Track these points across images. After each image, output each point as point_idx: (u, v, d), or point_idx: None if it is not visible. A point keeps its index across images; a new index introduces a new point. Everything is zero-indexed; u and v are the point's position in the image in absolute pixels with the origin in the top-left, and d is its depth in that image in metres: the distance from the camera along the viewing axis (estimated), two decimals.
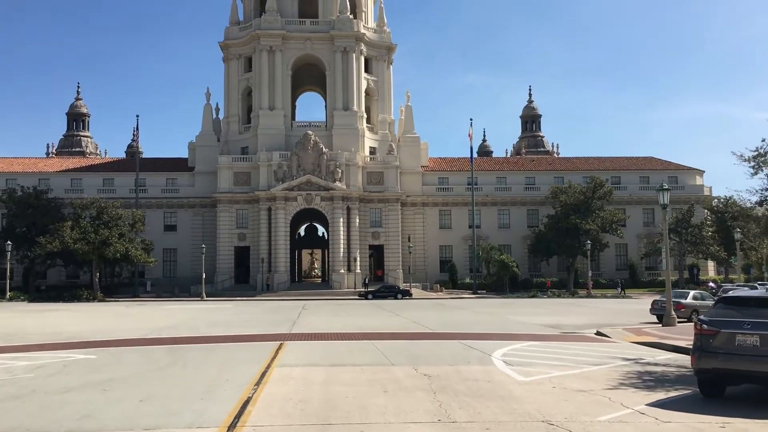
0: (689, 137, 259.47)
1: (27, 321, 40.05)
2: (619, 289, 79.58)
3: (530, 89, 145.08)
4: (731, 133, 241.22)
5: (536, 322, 35.02)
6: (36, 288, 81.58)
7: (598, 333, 28.60)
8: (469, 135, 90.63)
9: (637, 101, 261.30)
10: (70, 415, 11.36)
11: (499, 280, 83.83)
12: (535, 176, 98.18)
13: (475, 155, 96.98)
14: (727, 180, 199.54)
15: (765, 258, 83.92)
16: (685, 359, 18.97)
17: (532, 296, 76.21)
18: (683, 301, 34.23)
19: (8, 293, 74.35)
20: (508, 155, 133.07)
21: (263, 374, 16.01)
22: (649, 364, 18.07)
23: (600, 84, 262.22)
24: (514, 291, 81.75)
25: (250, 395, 13.07)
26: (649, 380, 15.08)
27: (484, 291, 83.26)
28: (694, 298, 36.03)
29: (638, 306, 52.57)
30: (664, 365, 17.92)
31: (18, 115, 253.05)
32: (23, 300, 73.22)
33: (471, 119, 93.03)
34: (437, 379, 15.06)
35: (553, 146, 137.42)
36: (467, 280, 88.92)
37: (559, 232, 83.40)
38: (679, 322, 31.97)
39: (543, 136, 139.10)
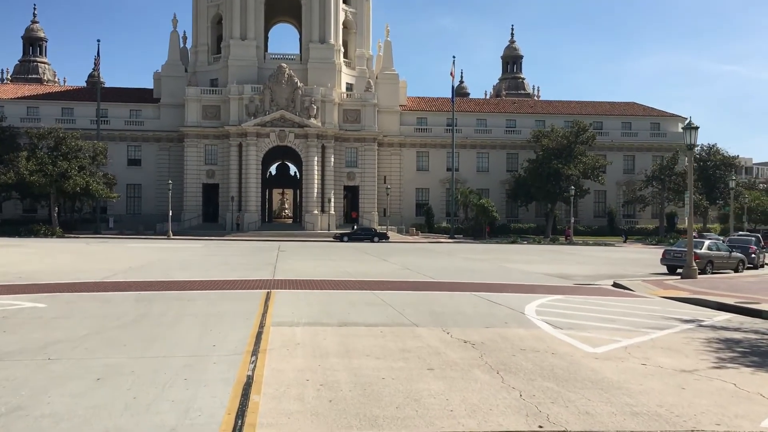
0: (664, 86, 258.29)
1: None
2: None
3: (512, 29, 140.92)
4: (705, 85, 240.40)
5: (538, 271, 32.22)
6: None
7: (617, 285, 25.85)
8: (450, 73, 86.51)
9: (614, 49, 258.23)
10: None
11: (477, 224, 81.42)
12: (516, 119, 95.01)
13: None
14: (704, 130, 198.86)
15: (745, 208, 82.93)
16: (758, 323, 16.23)
17: (513, 242, 74.24)
18: (698, 251, 31.64)
19: None
20: (487, 98, 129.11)
21: (258, 336, 12.61)
22: (716, 328, 15.16)
23: (579, 31, 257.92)
24: (492, 236, 79.45)
25: (250, 373, 9.62)
26: (747, 352, 12.12)
27: (461, 236, 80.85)
28: (709, 248, 33.51)
29: (634, 255, 50.42)
30: (735, 329, 15.02)
31: None
32: None
33: (454, 57, 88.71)
34: (486, 349, 11.84)
35: (534, 89, 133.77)
36: (444, 224, 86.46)
37: (539, 176, 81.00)
38: None
39: (524, 79, 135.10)
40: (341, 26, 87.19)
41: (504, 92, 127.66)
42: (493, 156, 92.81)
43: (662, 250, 36.87)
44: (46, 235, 68.29)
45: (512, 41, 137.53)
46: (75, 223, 78.70)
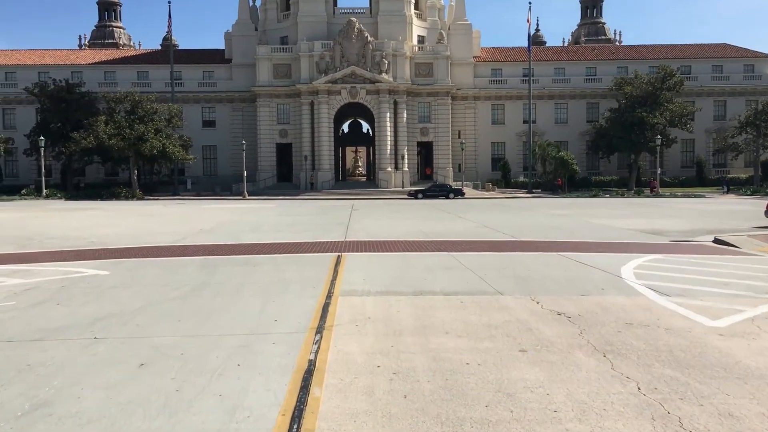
0: (758, 25, 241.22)
1: (54, 221, 36.49)
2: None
3: None
4: None
5: (626, 226, 29.84)
6: (75, 186, 79.04)
7: (718, 241, 23.38)
8: (527, 20, 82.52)
9: None
10: (15, 403, 6.87)
11: (556, 178, 78.22)
12: (596, 67, 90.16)
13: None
14: None
15: None
16: None
17: (594, 196, 71.10)
18: None
19: (45, 191, 71.80)
20: (565, 45, 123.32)
21: (325, 309, 11.36)
22: None
23: None
24: (573, 190, 76.29)
25: (312, 357, 8.30)
26: None
27: (539, 190, 78.07)
28: None
29: (730, 207, 46.77)
30: None
31: (48, 6, 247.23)
32: (60, 198, 70.74)
33: (530, 2, 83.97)
34: (585, 323, 10.18)
35: (615, 34, 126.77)
36: (521, 179, 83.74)
37: (622, 126, 76.86)
38: None
39: (604, 23, 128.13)
40: None
41: (583, 39, 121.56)
42: (572, 106, 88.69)
43: (766, 202, 33.67)
44: (126, 198, 69.78)
45: None
46: (154, 185, 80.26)
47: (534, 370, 7.76)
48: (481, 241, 23.51)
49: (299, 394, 6.96)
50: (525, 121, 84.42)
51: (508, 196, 72.07)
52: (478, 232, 27.65)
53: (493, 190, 79.05)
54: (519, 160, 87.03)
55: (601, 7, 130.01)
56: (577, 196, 70.07)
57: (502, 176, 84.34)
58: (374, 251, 20.55)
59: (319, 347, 8.79)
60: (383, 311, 11.21)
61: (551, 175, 78.92)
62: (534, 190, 77.51)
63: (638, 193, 72.37)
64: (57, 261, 18.85)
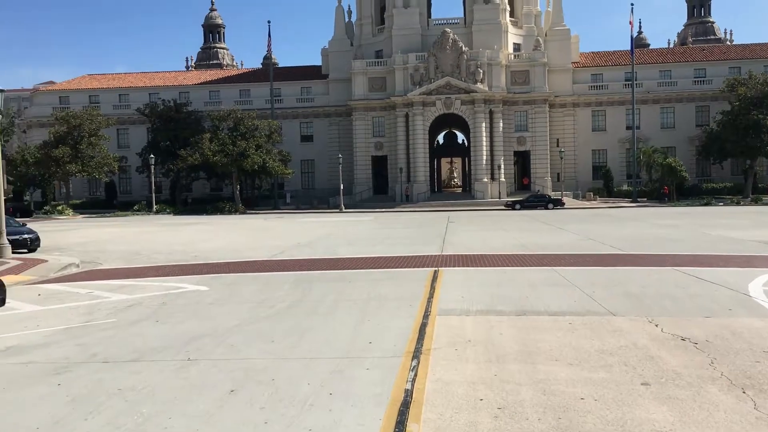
0: None
1: (161, 237, 37.85)
2: None
3: None
4: None
5: (748, 237, 27.54)
6: (183, 201, 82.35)
7: None
8: (629, 22, 79.13)
9: None
10: None
11: (662, 186, 74.34)
12: (705, 68, 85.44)
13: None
14: None
15: None
16: None
17: (706, 204, 67.14)
18: None
19: (155, 206, 75.19)
20: (671, 47, 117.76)
21: (422, 330, 10.73)
22: None
23: None
24: (682, 198, 72.27)
25: (408, 386, 7.64)
26: None
27: (645, 199, 74.48)
28: None
29: None
30: None
31: (158, 31, 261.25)
32: (169, 213, 73.89)
33: (632, 4, 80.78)
34: (714, 350, 9.04)
35: (725, 33, 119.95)
36: (624, 188, 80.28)
37: (736, 129, 72.25)
38: None
39: (713, 22, 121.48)
40: None
41: (690, 39, 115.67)
42: (679, 110, 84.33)
43: None
44: (229, 212, 72.00)
45: None
46: (255, 199, 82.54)
47: (661, 409, 6.80)
48: (586, 255, 22.23)
49: (395, 431, 6.36)
50: (628, 127, 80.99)
51: (611, 205, 69.19)
52: (582, 244, 26.28)
53: (594, 200, 76.13)
54: (622, 167, 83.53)
55: (709, 5, 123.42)
56: (687, 205, 66.38)
57: (604, 185, 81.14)
58: (472, 266, 19.77)
59: (416, 374, 8.16)
60: (484, 333, 10.47)
61: (657, 182, 75.21)
62: (639, 199, 74.07)
63: (756, 201, 67.75)
64: (161, 276, 19.25)
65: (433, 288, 15.28)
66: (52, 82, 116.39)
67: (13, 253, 25.71)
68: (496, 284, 15.77)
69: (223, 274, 19.12)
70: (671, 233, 31.06)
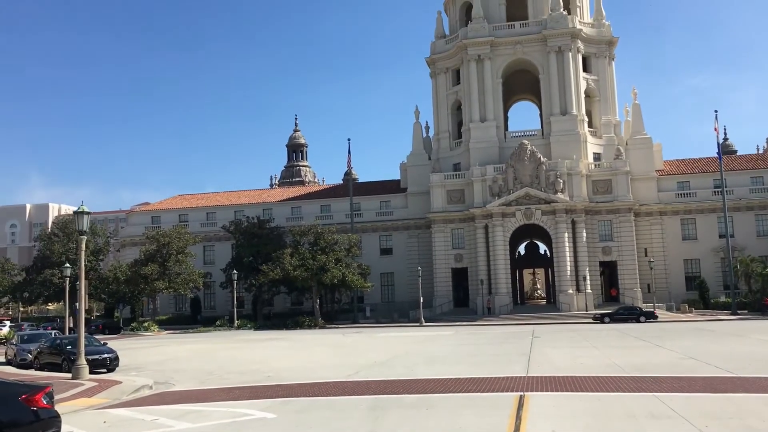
0: None
1: (238, 353, 37.54)
2: None
3: None
4: None
5: None
6: (265, 316, 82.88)
7: None
8: (714, 129, 77.50)
9: None
10: None
11: (763, 297, 69.44)
12: None
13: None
14: None
15: None
16: None
17: None
18: None
19: (236, 321, 75.84)
20: (761, 152, 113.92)
21: None
22: None
23: None
24: None
25: None
26: None
27: (745, 311, 69.60)
28: None
29: None
30: None
31: (245, 152, 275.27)
32: (250, 328, 74.26)
33: (716, 111, 79.40)
34: None
35: None
36: (722, 299, 75.60)
37: None
38: None
39: None
40: (583, 95, 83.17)
41: None
42: None
43: None
44: (309, 327, 71.62)
45: None
46: (335, 313, 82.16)
47: None
48: (690, 377, 20.10)
49: None
50: (721, 236, 77.30)
51: (708, 318, 64.88)
52: (684, 364, 23.99)
53: (689, 312, 71.75)
54: (717, 278, 79.06)
55: None
56: None
57: (699, 296, 76.69)
58: (561, 390, 18.10)
59: None
60: None
61: (758, 293, 70.44)
62: (739, 311, 69.21)
63: None
64: (229, 400, 18.53)
65: (519, 418, 13.82)
66: (147, 203, 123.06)
67: (92, 372, 25.72)
68: (590, 415, 14.14)
69: (294, 398, 18.22)
70: None
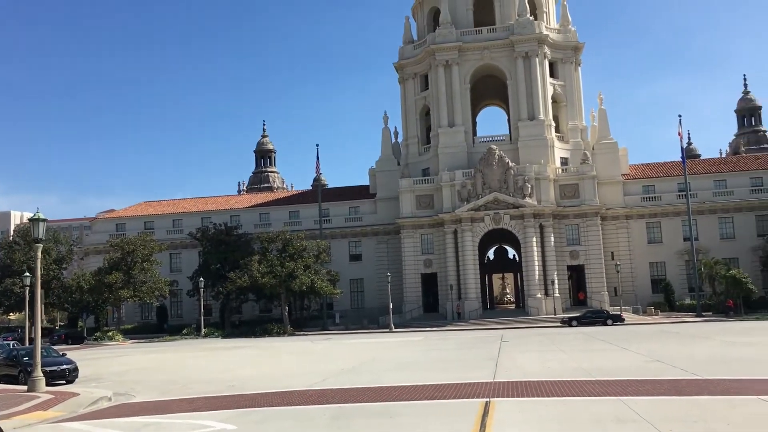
0: None
1: (203, 362, 36.88)
2: None
3: (745, 79, 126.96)
4: None
5: None
6: (233, 323, 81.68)
7: None
8: (678, 133, 78.49)
9: None
10: None
11: (727, 299, 70.52)
12: (762, 176, 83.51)
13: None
14: None
15: None
16: None
17: None
18: None
19: (203, 330, 74.70)
20: (723, 156, 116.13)
21: None
22: None
23: None
24: (748, 312, 68.14)
25: None
26: None
27: (710, 313, 70.60)
28: None
29: None
30: None
31: (213, 157, 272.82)
32: (217, 336, 73.14)
33: (680, 116, 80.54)
34: None
35: None
36: (687, 301, 76.63)
37: None
38: None
39: (765, 131, 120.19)
40: (550, 101, 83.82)
41: (743, 148, 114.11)
42: (738, 220, 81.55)
43: None
44: (278, 334, 70.75)
45: (746, 92, 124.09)
46: (304, 320, 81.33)
47: None
48: (655, 380, 20.12)
49: None
50: (686, 239, 78.28)
51: (673, 320, 65.74)
52: (650, 367, 24.07)
53: (656, 315, 72.61)
54: (682, 280, 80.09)
55: (759, 114, 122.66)
56: (757, 319, 62.50)
57: (665, 299, 77.66)
58: (528, 395, 17.96)
59: None
60: None
61: (722, 295, 71.49)
62: (704, 313, 70.20)
63: None
64: (190, 411, 18.03)
65: (483, 426, 13.59)
66: (112, 210, 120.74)
67: (50, 384, 24.95)
68: (556, 420, 14.00)
69: (256, 408, 17.80)
70: (746, 352, 28.50)
